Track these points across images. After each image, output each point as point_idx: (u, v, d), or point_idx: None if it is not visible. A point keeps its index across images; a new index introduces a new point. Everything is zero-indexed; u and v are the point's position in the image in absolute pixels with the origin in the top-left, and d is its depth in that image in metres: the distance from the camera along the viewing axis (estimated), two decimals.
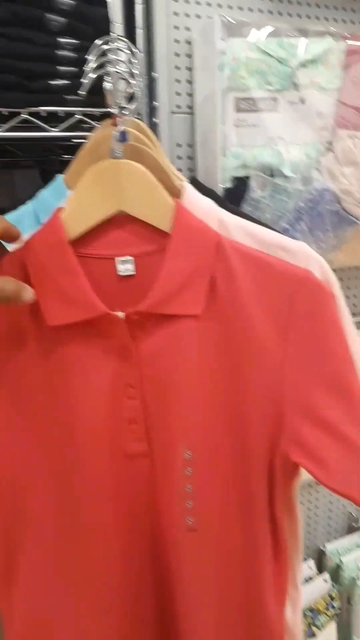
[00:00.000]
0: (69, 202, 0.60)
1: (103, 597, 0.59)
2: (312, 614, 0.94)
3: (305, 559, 1.01)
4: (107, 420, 0.56)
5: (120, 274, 0.59)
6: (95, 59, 0.67)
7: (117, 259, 0.58)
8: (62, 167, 0.71)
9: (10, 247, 0.59)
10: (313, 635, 0.93)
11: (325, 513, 1.09)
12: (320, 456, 0.55)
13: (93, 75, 0.64)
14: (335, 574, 1.03)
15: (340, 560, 1.04)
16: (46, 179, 0.74)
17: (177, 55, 0.79)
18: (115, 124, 0.66)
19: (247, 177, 0.74)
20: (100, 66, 0.67)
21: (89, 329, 0.56)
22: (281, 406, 0.57)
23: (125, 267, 0.59)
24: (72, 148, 0.73)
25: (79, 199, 0.60)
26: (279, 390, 0.56)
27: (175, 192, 0.63)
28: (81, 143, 0.71)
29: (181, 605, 0.59)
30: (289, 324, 0.57)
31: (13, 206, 0.73)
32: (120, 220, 0.59)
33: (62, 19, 0.77)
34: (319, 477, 0.54)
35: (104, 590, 0.58)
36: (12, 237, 0.55)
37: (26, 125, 0.79)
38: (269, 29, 0.74)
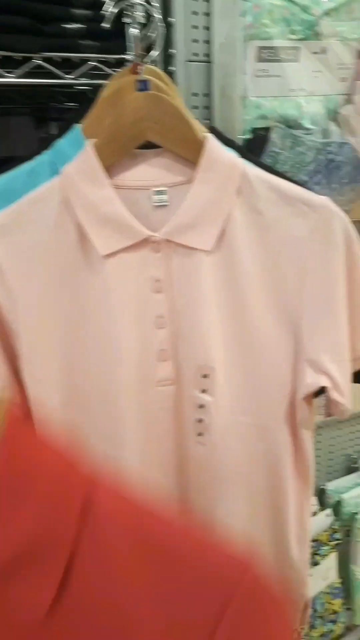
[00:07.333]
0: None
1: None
2: (315, 545, 1.00)
3: None
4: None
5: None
6: (113, 2, 0.64)
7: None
8: (59, 114, 0.69)
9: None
10: (316, 563, 0.99)
11: (326, 455, 1.13)
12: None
13: (115, 10, 0.62)
14: (336, 510, 1.08)
15: (341, 498, 1.10)
16: (40, 126, 0.72)
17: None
18: (135, 72, 0.64)
19: (267, 129, 0.72)
20: (120, 10, 0.65)
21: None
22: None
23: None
24: (76, 95, 0.71)
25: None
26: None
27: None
28: (87, 90, 0.69)
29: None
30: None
31: (8, 153, 0.71)
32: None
33: None
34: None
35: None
36: None
37: (38, 71, 0.77)
38: None
